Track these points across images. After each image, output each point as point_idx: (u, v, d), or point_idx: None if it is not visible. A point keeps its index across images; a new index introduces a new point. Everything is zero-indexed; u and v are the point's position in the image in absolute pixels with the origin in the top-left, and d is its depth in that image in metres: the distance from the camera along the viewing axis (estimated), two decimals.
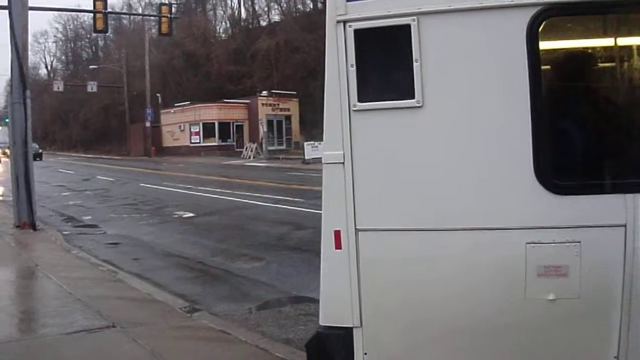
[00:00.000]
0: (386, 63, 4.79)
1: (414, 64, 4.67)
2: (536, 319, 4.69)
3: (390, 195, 4.83)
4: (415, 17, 4.66)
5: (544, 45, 4.66)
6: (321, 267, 5.02)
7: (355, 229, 4.89)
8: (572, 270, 4.58)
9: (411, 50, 4.67)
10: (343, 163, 4.84)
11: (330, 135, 4.89)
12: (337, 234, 4.91)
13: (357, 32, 4.76)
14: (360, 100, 4.78)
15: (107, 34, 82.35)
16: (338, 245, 4.91)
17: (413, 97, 4.69)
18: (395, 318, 4.94)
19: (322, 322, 5.11)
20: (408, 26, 4.67)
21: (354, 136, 4.83)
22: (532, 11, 4.53)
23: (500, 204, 4.67)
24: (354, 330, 4.99)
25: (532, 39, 4.56)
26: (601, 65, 5.13)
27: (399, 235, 4.84)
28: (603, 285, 4.57)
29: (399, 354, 5.01)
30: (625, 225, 4.50)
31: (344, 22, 4.78)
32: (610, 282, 4.55)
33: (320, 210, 5.11)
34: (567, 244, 4.57)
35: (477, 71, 4.68)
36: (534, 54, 4.57)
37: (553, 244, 4.59)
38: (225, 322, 9.91)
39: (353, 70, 4.77)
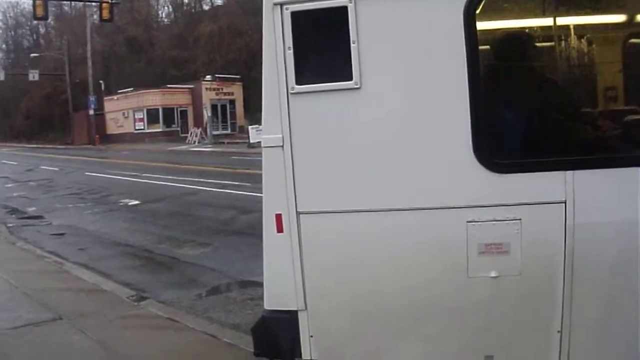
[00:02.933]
0: (323, 45, 4.76)
1: (352, 45, 4.64)
2: (479, 296, 4.73)
3: (330, 177, 4.82)
4: None
5: (481, 25, 4.66)
6: (263, 251, 5.01)
7: (297, 211, 4.87)
8: (514, 247, 4.62)
9: (348, 32, 4.64)
10: (282, 146, 4.82)
11: (269, 118, 4.86)
12: (279, 217, 4.89)
13: (294, 15, 4.72)
14: (298, 83, 4.75)
15: (48, 21, 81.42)
16: (280, 229, 4.90)
17: (351, 79, 4.67)
18: (339, 300, 4.95)
19: (267, 306, 5.11)
20: (345, 8, 4.64)
21: (292, 119, 4.80)
22: None
23: (441, 183, 4.69)
24: (299, 313, 4.99)
25: (470, 19, 4.56)
26: (539, 44, 5.15)
27: (340, 217, 4.84)
28: (544, 261, 4.62)
29: (345, 336, 5.02)
30: (565, 202, 4.55)
31: (281, 4, 4.73)
32: (552, 258, 4.60)
33: None
34: (508, 221, 4.61)
35: (415, 52, 4.68)
36: (471, 35, 4.57)
37: (494, 222, 4.62)
38: (172, 310, 9.91)
39: (290, 53, 4.74)
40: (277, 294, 5.05)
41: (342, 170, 4.81)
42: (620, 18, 5.16)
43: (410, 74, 4.70)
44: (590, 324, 4.66)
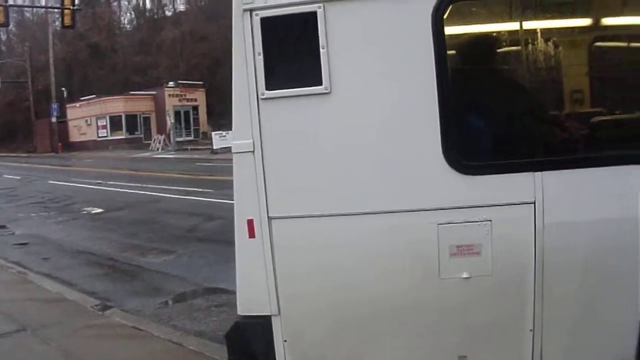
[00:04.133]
0: (293, 51, 4.76)
1: (321, 50, 4.66)
2: (452, 297, 4.77)
3: (301, 181, 4.83)
4: (321, 5, 4.65)
5: (449, 30, 4.71)
6: (236, 257, 4.99)
7: (268, 217, 4.87)
8: (485, 248, 4.67)
9: (318, 38, 4.66)
10: (253, 151, 4.82)
11: (239, 124, 4.85)
12: (250, 222, 4.88)
13: (264, 20, 4.72)
14: (268, 88, 4.75)
15: (9, 28, 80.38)
16: (252, 234, 4.89)
17: (321, 84, 4.69)
18: (312, 304, 4.95)
19: (241, 311, 5.09)
20: (314, 13, 4.65)
21: (263, 124, 4.80)
22: None
23: (411, 186, 4.71)
24: (273, 318, 4.99)
25: (438, 24, 4.60)
26: (506, 48, 5.20)
27: (311, 221, 4.84)
28: (515, 261, 4.68)
29: (319, 340, 5.03)
30: (534, 203, 4.61)
31: (251, 10, 4.73)
32: (523, 258, 4.65)
33: (230, 200, 5.08)
34: (478, 223, 4.65)
35: (384, 57, 4.70)
36: (439, 39, 4.61)
37: (464, 224, 4.66)
38: (137, 318, 9.86)
39: (260, 59, 4.74)
40: (250, 300, 5.03)
41: (313, 175, 4.82)
42: (586, 22, 5.21)
43: (380, 78, 4.72)
44: (562, 322, 4.72)
